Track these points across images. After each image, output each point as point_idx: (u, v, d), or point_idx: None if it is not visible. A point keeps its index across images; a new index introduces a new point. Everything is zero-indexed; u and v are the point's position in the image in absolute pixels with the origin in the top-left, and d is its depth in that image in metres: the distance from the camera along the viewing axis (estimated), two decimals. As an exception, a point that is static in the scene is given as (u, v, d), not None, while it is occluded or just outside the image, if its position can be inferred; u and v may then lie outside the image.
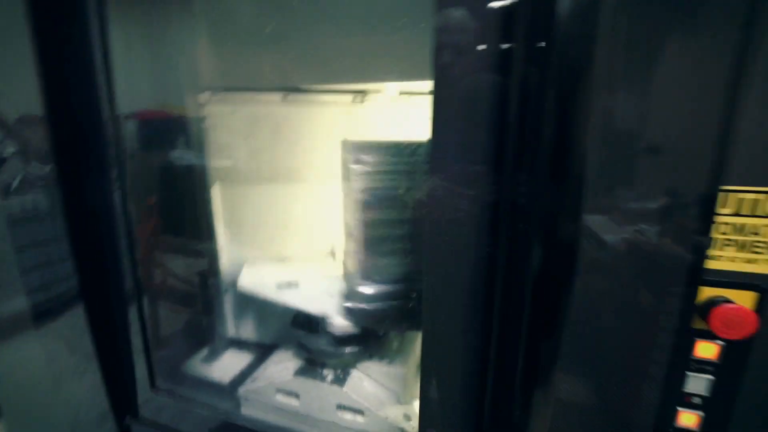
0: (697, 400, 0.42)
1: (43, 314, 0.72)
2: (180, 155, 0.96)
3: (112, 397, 0.70)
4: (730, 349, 0.39)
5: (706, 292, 0.39)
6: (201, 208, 0.96)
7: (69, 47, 0.63)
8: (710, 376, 0.41)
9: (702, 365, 0.41)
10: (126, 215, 0.69)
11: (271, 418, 0.70)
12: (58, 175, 0.65)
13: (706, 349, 0.40)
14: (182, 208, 1.01)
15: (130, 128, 0.95)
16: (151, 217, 1.00)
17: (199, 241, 0.99)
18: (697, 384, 0.41)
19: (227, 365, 0.85)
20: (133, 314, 0.71)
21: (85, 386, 0.71)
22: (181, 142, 0.99)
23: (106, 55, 0.64)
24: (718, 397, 0.41)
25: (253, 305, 0.90)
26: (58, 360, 0.72)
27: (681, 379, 0.42)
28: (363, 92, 0.82)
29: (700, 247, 0.38)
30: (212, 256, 0.96)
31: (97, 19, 0.62)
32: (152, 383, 0.73)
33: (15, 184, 0.66)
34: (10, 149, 0.68)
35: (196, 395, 0.74)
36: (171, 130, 0.95)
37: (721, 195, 0.37)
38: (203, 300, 0.99)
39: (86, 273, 0.67)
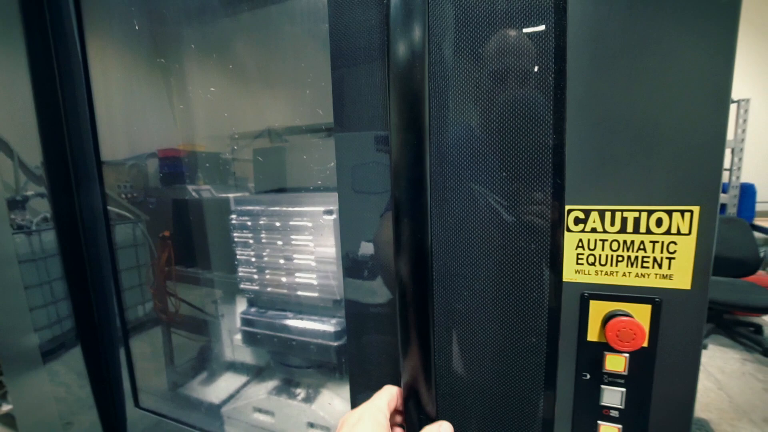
0: (614, 413, 0.43)
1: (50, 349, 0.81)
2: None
3: (101, 414, 0.76)
4: (633, 360, 0.41)
5: (610, 307, 0.42)
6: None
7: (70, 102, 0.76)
8: (622, 388, 0.42)
9: (614, 378, 0.43)
10: (112, 248, 0.77)
11: (250, 436, 0.74)
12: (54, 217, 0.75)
13: (615, 362, 0.42)
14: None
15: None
16: (166, 247, 1.11)
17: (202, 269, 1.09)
18: (612, 396, 0.43)
19: (219, 387, 0.91)
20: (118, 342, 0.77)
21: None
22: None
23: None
24: (632, 408, 0.42)
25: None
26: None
27: (597, 393, 0.43)
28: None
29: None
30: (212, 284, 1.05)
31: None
32: (136, 402, 0.79)
33: (35, 224, 0.77)
34: (30, 192, 0.80)
35: (184, 415, 0.80)
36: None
37: (606, 214, 0.40)
38: (206, 325, 1.07)
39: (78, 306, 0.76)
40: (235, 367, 0.94)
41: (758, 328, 2.66)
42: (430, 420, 0.41)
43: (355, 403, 0.52)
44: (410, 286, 0.38)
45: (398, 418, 0.43)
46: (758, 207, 3.18)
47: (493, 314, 0.45)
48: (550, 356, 0.44)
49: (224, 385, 0.89)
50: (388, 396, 0.40)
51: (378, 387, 0.43)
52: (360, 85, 0.46)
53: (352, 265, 0.49)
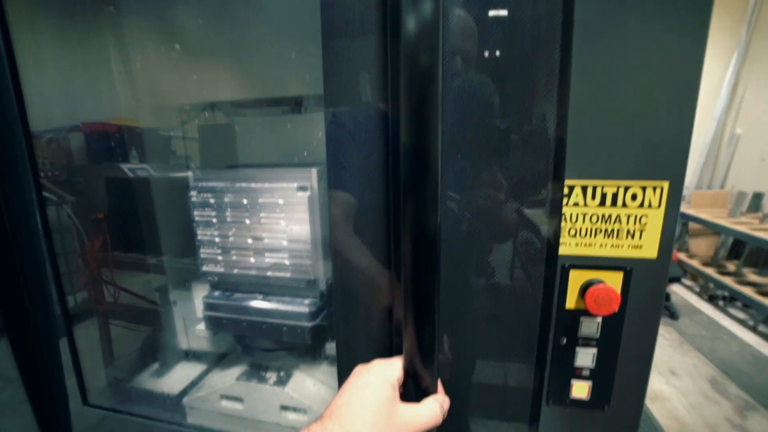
0: (585, 372, 0.47)
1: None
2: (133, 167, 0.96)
3: (39, 416, 0.68)
4: (606, 324, 0.45)
5: (587, 275, 0.45)
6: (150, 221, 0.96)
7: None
8: (593, 349, 0.46)
9: (587, 340, 0.46)
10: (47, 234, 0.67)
11: (217, 425, 0.70)
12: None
13: (590, 326, 0.46)
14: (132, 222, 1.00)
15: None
16: (100, 232, 0.99)
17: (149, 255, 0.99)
18: (585, 358, 0.47)
19: (176, 377, 0.85)
20: (60, 334, 0.69)
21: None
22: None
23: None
24: (601, 366, 0.46)
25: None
26: None
27: (572, 355, 0.47)
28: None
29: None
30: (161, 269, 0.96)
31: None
32: (84, 400, 0.71)
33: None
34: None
35: (141, 409, 0.74)
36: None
37: (588, 189, 0.42)
38: (153, 314, 0.98)
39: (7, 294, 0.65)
40: (193, 355, 0.88)
41: (667, 296, 3.08)
42: (428, 392, 0.41)
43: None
44: (417, 263, 0.37)
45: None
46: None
47: (493, 289, 0.46)
48: (543, 326, 0.46)
49: (182, 375, 0.84)
50: (398, 365, 0.40)
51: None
52: (354, 57, 0.43)
53: (340, 245, 0.48)
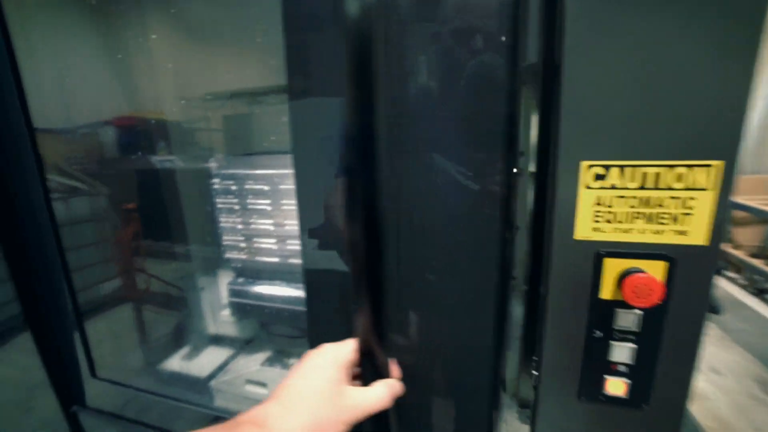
0: (622, 368, 0.44)
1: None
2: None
3: (56, 387, 0.74)
4: (647, 317, 0.41)
5: (624, 264, 0.42)
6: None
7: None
8: (632, 344, 0.43)
9: (624, 334, 0.43)
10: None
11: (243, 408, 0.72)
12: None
13: (627, 319, 0.42)
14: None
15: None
16: (131, 221, 1.03)
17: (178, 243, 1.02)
18: (621, 352, 0.43)
19: (204, 360, 0.87)
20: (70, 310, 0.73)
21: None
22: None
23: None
24: (640, 363, 0.43)
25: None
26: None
27: (606, 349, 0.44)
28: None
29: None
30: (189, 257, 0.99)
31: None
32: (92, 372, 0.77)
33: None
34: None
35: (166, 391, 0.76)
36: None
37: (627, 170, 0.39)
38: (182, 300, 1.01)
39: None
40: (220, 340, 0.91)
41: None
42: (382, 376, 0.41)
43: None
44: (362, 248, 0.38)
45: (357, 371, 0.43)
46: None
47: (445, 275, 0.46)
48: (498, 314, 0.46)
49: (210, 359, 0.86)
50: (349, 348, 0.40)
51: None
52: (315, 49, 0.43)
53: (310, 232, 0.48)
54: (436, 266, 0.46)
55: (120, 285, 1.03)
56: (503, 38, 0.39)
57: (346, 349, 0.40)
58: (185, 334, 0.99)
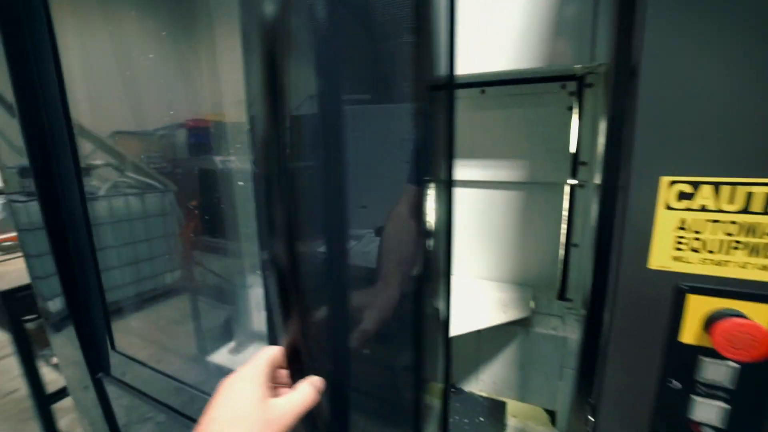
0: (708, 431, 0.36)
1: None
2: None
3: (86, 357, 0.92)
4: (746, 373, 0.33)
5: (715, 304, 0.34)
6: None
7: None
8: (724, 404, 0.34)
9: (713, 390, 0.35)
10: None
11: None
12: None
13: (718, 372, 0.34)
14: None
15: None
16: (192, 218, 1.10)
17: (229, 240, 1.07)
18: (708, 412, 0.35)
19: (248, 357, 0.90)
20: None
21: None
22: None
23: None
24: (736, 428, 0.34)
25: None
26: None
27: (686, 405, 0.36)
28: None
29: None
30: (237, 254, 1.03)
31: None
32: (112, 345, 0.92)
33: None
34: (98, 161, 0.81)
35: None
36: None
37: (724, 188, 0.31)
38: (232, 295, 1.06)
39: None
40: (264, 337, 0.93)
41: None
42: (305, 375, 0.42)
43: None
44: (278, 263, 0.38)
45: (284, 373, 0.43)
46: None
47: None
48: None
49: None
50: (265, 357, 0.40)
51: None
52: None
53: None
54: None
55: (178, 276, 1.10)
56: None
57: (260, 364, 0.40)
58: (232, 328, 1.03)
